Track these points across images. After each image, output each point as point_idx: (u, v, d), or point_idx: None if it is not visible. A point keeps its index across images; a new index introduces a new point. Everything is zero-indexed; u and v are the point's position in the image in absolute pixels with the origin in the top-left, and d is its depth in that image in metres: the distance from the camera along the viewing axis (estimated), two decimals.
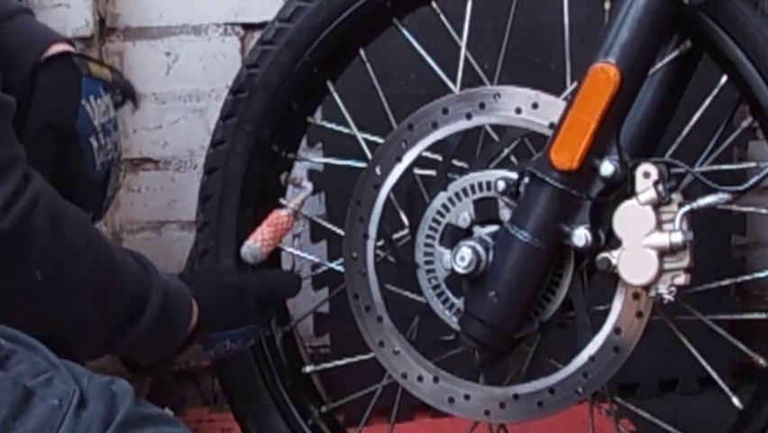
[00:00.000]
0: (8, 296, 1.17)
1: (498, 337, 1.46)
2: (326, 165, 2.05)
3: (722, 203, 1.41)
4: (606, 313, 1.45)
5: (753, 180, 1.40)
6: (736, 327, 1.89)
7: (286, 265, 1.66)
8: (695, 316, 1.57)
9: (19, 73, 1.35)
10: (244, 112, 1.66)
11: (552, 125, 1.42)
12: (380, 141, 1.56)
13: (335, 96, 1.69)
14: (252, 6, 2.20)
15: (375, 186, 1.54)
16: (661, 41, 1.44)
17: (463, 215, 1.48)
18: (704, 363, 1.58)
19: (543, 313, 1.46)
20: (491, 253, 1.44)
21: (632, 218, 1.38)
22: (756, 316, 2.15)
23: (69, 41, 1.47)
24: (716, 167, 1.54)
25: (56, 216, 1.19)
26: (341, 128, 1.71)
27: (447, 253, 1.47)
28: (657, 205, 1.38)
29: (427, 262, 1.51)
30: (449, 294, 1.50)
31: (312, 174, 2.11)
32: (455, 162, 1.52)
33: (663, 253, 1.37)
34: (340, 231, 1.59)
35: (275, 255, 1.67)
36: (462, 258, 1.43)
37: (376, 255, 1.55)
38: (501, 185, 1.45)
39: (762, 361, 1.58)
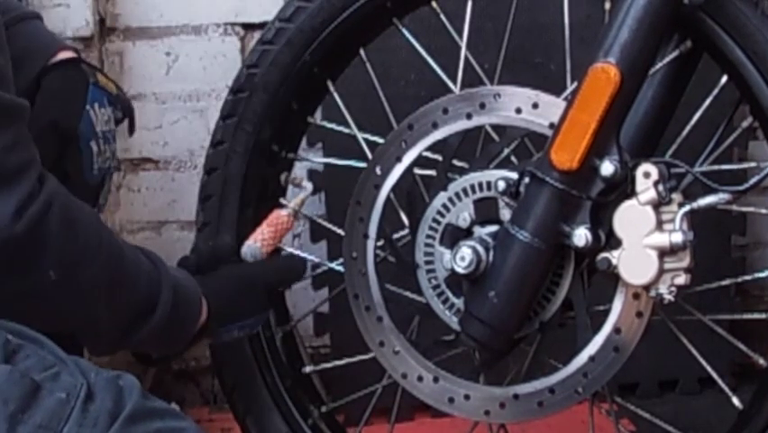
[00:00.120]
0: (23, 297, 1.18)
1: (498, 337, 1.46)
2: (326, 165, 2.05)
3: (722, 203, 1.41)
4: (606, 313, 1.45)
5: (753, 180, 1.40)
6: (736, 327, 1.89)
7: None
8: (695, 316, 1.57)
9: (25, 76, 1.37)
10: (244, 112, 1.66)
11: (552, 125, 1.42)
12: (380, 141, 1.56)
13: (335, 96, 1.69)
14: (252, 6, 2.20)
15: (375, 186, 1.54)
16: (661, 41, 1.44)
17: (463, 215, 1.48)
18: (704, 363, 1.58)
19: (543, 313, 1.46)
20: (491, 253, 1.44)
21: (632, 218, 1.38)
22: (756, 316, 2.16)
23: (76, 50, 1.49)
24: (716, 167, 1.54)
25: (69, 218, 1.20)
26: (341, 128, 1.71)
27: (447, 253, 1.47)
28: (657, 205, 1.38)
29: (427, 262, 1.51)
30: (449, 294, 1.50)
31: (312, 174, 2.11)
32: (455, 162, 1.52)
33: (663, 253, 1.37)
34: (340, 231, 1.59)
35: (275, 255, 1.67)
36: (462, 258, 1.43)
37: (376, 255, 1.55)
38: (501, 185, 1.45)
39: (762, 361, 1.58)
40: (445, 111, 1.50)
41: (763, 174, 1.41)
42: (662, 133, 1.54)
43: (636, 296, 1.43)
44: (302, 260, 1.59)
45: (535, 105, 1.45)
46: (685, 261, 1.38)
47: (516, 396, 1.49)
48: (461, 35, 1.59)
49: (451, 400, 1.53)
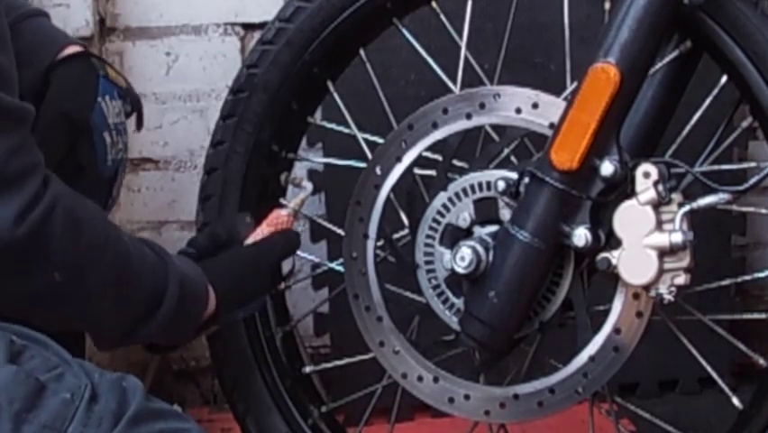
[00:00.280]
0: (27, 299, 1.19)
1: (498, 337, 1.46)
2: (326, 165, 2.05)
3: (722, 203, 1.41)
4: (606, 313, 1.45)
5: (753, 180, 1.40)
6: (736, 327, 1.89)
7: (286, 266, 1.65)
8: (695, 316, 1.57)
9: (32, 72, 1.38)
10: (244, 112, 1.66)
11: (552, 125, 1.42)
12: (380, 141, 1.56)
13: (335, 96, 1.69)
14: (252, 6, 2.20)
15: (375, 186, 1.54)
16: (661, 41, 1.44)
17: (463, 215, 1.48)
18: (704, 363, 1.58)
19: (543, 313, 1.46)
20: (491, 253, 1.44)
21: (632, 218, 1.38)
22: (756, 316, 2.16)
23: (84, 46, 1.49)
24: (716, 167, 1.54)
25: (74, 219, 1.20)
26: (341, 128, 1.71)
27: (447, 253, 1.47)
28: (657, 205, 1.38)
29: (427, 262, 1.51)
30: (449, 294, 1.50)
31: (312, 174, 2.12)
32: (455, 162, 1.52)
33: (663, 253, 1.37)
34: (340, 231, 1.59)
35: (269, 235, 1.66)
36: (462, 258, 1.43)
37: (376, 255, 1.55)
38: (501, 185, 1.45)
39: (762, 361, 1.58)
40: (445, 111, 1.50)
41: (763, 174, 1.41)
42: (662, 133, 1.54)
43: (636, 296, 1.43)
44: (296, 233, 1.58)
45: (535, 105, 1.45)
46: (685, 261, 1.38)
47: (516, 396, 1.49)
48: (461, 35, 1.59)
49: (451, 400, 1.53)
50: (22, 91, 1.21)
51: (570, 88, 1.47)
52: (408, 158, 1.52)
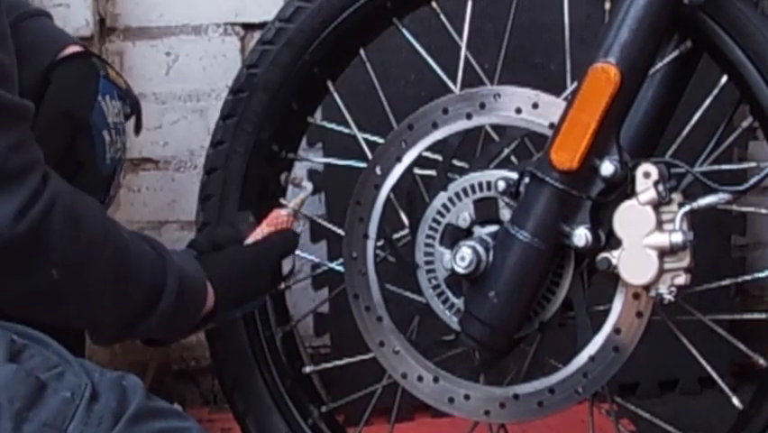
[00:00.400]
0: (26, 296, 1.19)
1: (498, 337, 1.46)
2: (326, 165, 2.05)
3: (722, 203, 1.41)
4: (606, 313, 1.45)
5: (753, 180, 1.40)
6: (736, 327, 1.89)
7: (286, 266, 1.66)
8: (695, 316, 1.57)
9: (32, 71, 1.38)
10: (244, 112, 1.66)
11: (552, 125, 1.42)
12: (380, 141, 1.56)
13: (335, 96, 1.69)
14: (252, 6, 2.20)
15: (375, 186, 1.54)
16: (661, 41, 1.44)
17: (463, 215, 1.48)
18: (704, 363, 1.58)
19: (543, 313, 1.46)
20: (491, 253, 1.44)
21: (632, 218, 1.38)
22: (756, 316, 2.16)
23: (84, 46, 1.50)
24: (716, 167, 1.54)
25: (74, 216, 1.20)
26: (341, 128, 1.71)
27: (447, 253, 1.47)
28: (657, 205, 1.38)
29: (427, 262, 1.51)
30: (449, 294, 1.50)
31: (312, 174, 2.12)
32: (455, 162, 1.52)
33: (663, 253, 1.37)
34: (340, 231, 1.59)
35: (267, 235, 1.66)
36: (462, 258, 1.43)
37: (376, 255, 1.55)
38: (501, 185, 1.45)
39: (762, 361, 1.58)
40: (445, 111, 1.50)
41: (763, 174, 1.41)
42: (662, 133, 1.54)
43: (636, 296, 1.43)
44: (293, 233, 1.59)
45: (535, 105, 1.45)
46: (685, 261, 1.38)
47: (516, 396, 1.49)
48: (461, 35, 1.59)
49: (451, 400, 1.53)
50: (23, 90, 1.21)
51: (570, 88, 1.48)
52: (408, 158, 1.53)
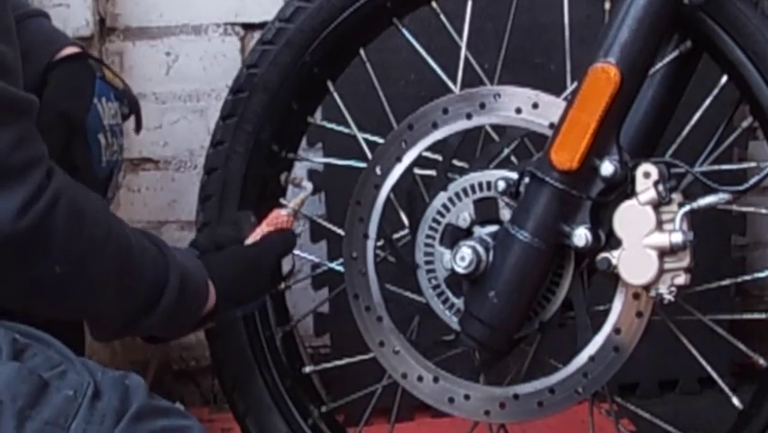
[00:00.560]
0: (28, 291, 1.19)
1: (498, 337, 1.46)
2: (326, 165, 2.05)
3: (722, 203, 1.41)
4: (606, 313, 1.45)
5: (753, 180, 1.40)
6: (736, 327, 1.89)
7: (286, 265, 1.66)
8: (695, 316, 1.57)
9: (30, 72, 1.37)
10: (244, 112, 1.66)
11: (552, 125, 1.42)
12: (380, 141, 1.56)
13: (335, 96, 1.69)
14: (252, 6, 2.20)
15: (375, 186, 1.54)
16: (661, 41, 1.44)
17: (463, 215, 1.48)
18: (704, 363, 1.58)
19: (543, 313, 1.46)
20: (491, 253, 1.44)
21: (632, 218, 1.38)
22: (756, 316, 2.16)
23: (82, 47, 1.50)
24: (716, 167, 1.54)
25: (77, 212, 1.20)
26: (341, 128, 1.71)
27: (447, 253, 1.47)
28: (657, 205, 1.38)
29: (427, 262, 1.51)
30: (449, 294, 1.50)
31: (312, 174, 2.12)
32: (455, 162, 1.52)
33: (663, 253, 1.37)
34: (340, 231, 1.59)
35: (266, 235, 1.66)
36: (462, 258, 1.43)
37: (376, 255, 1.55)
38: (501, 185, 1.45)
39: (762, 361, 1.58)
40: (445, 111, 1.50)
41: (763, 174, 1.41)
42: (662, 133, 1.54)
43: (636, 296, 1.43)
44: (292, 233, 1.59)
45: (535, 105, 1.45)
46: (685, 261, 1.38)
47: (516, 396, 1.49)
48: (461, 35, 1.59)
49: (451, 400, 1.53)
50: (23, 89, 1.21)
51: (570, 88, 1.48)
52: (408, 158, 1.53)
